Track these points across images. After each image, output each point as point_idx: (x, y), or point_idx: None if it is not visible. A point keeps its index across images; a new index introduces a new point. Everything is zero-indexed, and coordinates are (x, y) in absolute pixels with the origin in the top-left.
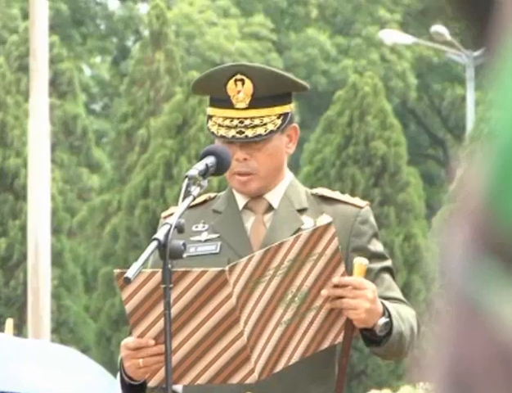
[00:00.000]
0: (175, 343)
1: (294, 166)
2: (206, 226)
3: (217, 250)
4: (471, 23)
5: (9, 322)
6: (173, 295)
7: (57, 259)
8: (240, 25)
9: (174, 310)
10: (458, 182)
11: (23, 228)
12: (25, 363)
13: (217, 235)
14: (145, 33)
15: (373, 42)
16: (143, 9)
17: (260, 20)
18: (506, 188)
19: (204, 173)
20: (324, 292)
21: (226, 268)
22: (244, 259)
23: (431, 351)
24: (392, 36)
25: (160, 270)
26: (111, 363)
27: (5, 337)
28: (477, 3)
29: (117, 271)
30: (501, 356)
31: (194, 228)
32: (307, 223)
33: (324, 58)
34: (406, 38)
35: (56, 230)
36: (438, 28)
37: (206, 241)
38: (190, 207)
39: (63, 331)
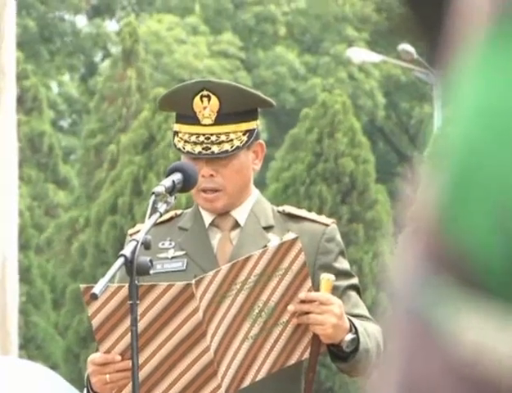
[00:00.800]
0: (142, 358)
1: (260, 184)
2: (173, 243)
3: (184, 267)
4: (426, 39)
5: None
6: (140, 309)
7: (25, 276)
8: (208, 43)
9: (141, 325)
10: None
11: None
12: None
13: (184, 252)
14: (113, 50)
15: (341, 60)
16: (110, 26)
17: (229, 38)
18: (458, 206)
19: (171, 190)
20: (290, 307)
21: (193, 281)
22: (211, 273)
23: (381, 370)
24: (360, 54)
25: (127, 285)
26: (79, 380)
27: None
28: (428, 20)
29: (83, 286)
30: (453, 374)
31: (160, 245)
32: (274, 240)
33: (292, 76)
34: (374, 57)
35: (23, 246)
36: (406, 46)
37: (173, 258)
38: (156, 224)
39: (31, 347)
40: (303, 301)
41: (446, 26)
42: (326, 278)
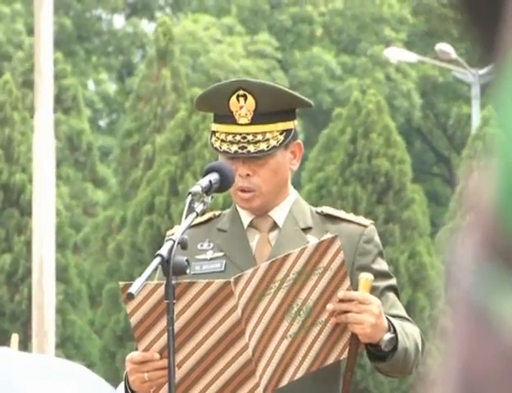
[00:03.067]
0: (180, 356)
1: (296, 184)
2: (211, 244)
3: (223, 269)
4: (477, 41)
5: (14, 338)
6: (178, 307)
7: (62, 275)
8: (244, 43)
9: (179, 323)
10: (459, 197)
11: (28, 244)
12: (30, 378)
13: (223, 253)
14: (151, 49)
15: (378, 61)
16: (148, 26)
17: (265, 39)
18: None
19: (208, 190)
20: (329, 306)
21: (232, 279)
22: (250, 271)
23: (437, 366)
24: (398, 54)
25: (164, 283)
26: (116, 380)
27: (11, 352)
28: (483, 22)
29: (122, 283)
30: (510, 359)
31: (199, 247)
32: (312, 242)
33: (329, 77)
34: (411, 57)
35: (60, 245)
36: (443, 46)
37: (211, 259)
38: (195, 225)
39: (68, 346)
40: (341, 300)
41: (501, 28)
42: (365, 278)
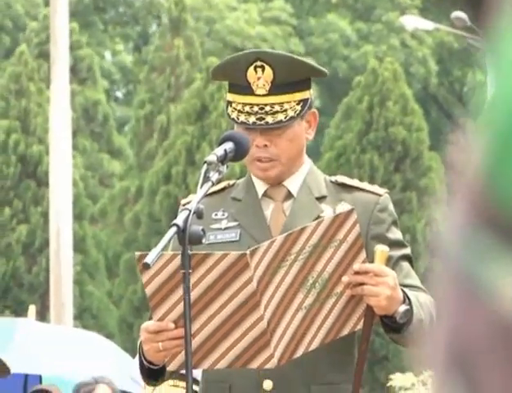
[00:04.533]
0: (195, 327)
1: (316, 153)
2: (226, 214)
3: (237, 238)
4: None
5: (31, 309)
6: (194, 278)
7: (79, 246)
8: (260, 10)
9: (194, 293)
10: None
11: (45, 215)
12: (49, 347)
13: (237, 223)
14: (165, 20)
15: (393, 27)
16: None
17: (280, 5)
18: (502, 164)
19: (223, 159)
20: (345, 279)
21: (248, 251)
22: (266, 244)
23: (428, 335)
24: (413, 22)
25: (180, 254)
26: (133, 350)
27: (29, 322)
28: None
29: (138, 254)
30: (500, 330)
31: (213, 216)
32: (327, 211)
33: (344, 44)
34: (427, 24)
35: (78, 216)
36: (459, 13)
37: (226, 228)
38: (209, 194)
39: (85, 317)
40: (357, 272)
41: None
42: (381, 250)
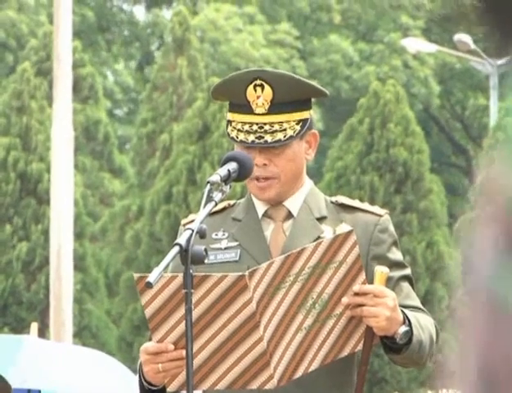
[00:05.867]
0: (195, 348)
1: (317, 174)
2: (226, 234)
3: (237, 258)
4: (496, 30)
5: (34, 326)
6: (193, 299)
7: (80, 264)
8: (265, 32)
9: (194, 315)
10: (478, 188)
11: (45, 233)
12: (52, 364)
13: (237, 243)
14: (169, 39)
15: (395, 48)
16: (167, 15)
17: (285, 28)
18: None
19: (226, 179)
20: (344, 300)
21: (246, 273)
22: (265, 265)
23: (455, 356)
24: (416, 44)
25: (181, 274)
26: (133, 369)
27: (33, 339)
28: (502, 11)
29: (137, 275)
30: None
31: (214, 236)
32: (327, 231)
33: (347, 64)
34: (429, 47)
35: (78, 235)
36: (462, 36)
37: (226, 248)
38: (209, 215)
39: (85, 335)
40: (356, 294)
41: None
42: (380, 271)
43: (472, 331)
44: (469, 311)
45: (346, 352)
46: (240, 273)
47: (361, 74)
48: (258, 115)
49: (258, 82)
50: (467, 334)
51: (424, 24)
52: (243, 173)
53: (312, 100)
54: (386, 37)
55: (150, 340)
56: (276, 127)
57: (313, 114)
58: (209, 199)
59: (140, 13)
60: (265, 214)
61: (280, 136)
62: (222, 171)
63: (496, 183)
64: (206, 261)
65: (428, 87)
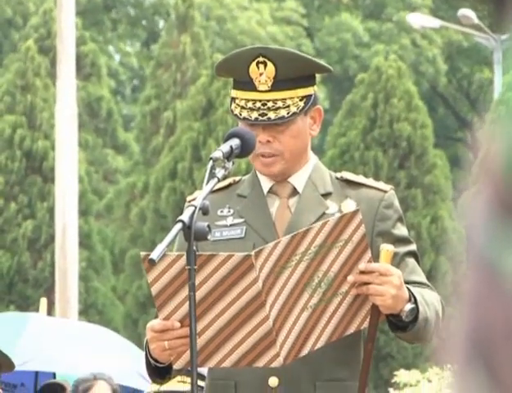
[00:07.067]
0: (200, 326)
1: (319, 149)
2: (231, 210)
3: (243, 235)
4: (499, 5)
5: (43, 302)
6: (199, 278)
7: (85, 241)
8: (271, 10)
9: (200, 293)
10: (480, 161)
11: (51, 210)
12: (60, 341)
13: (243, 219)
14: (172, 16)
15: (404, 27)
16: None
17: (292, 5)
18: None
19: (229, 155)
20: (350, 278)
21: (253, 252)
22: (271, 245)
23: (454, 327)
24: (420, 20)
25: (185, 253)
26: (139, 346)
27: (42, 318)
28: None
29: (143, 253)
30: None
31: (219, 213)
32: (332, 207)
33: (356, 43)
34: (434, 22)
35: (83, 212)
36: (466, 11)
37: (231, 225)
38: (214, 191)
39: (91, 312)
40: (362, 272)
41: None
42: (386, 249)
43: (466, 298)
44: (467, 280)
45: (352, 330)
46: (246, 253)
47: (370, 53)
48: (261, 92)
49: (261, 59)
50: (462, 301)
51: (432, 2)
52: (245, 149)
53: (319, 78)
54: (394, 15)
55: (157, 317)
56: (280, 104)
57: (319, 92)
58: (212, 175)
59: None
60: (270, 191)
61: (283, 113)
62: (225, 147)
63: (496, 157)
64: (212, 238)
65: (436, 66)
